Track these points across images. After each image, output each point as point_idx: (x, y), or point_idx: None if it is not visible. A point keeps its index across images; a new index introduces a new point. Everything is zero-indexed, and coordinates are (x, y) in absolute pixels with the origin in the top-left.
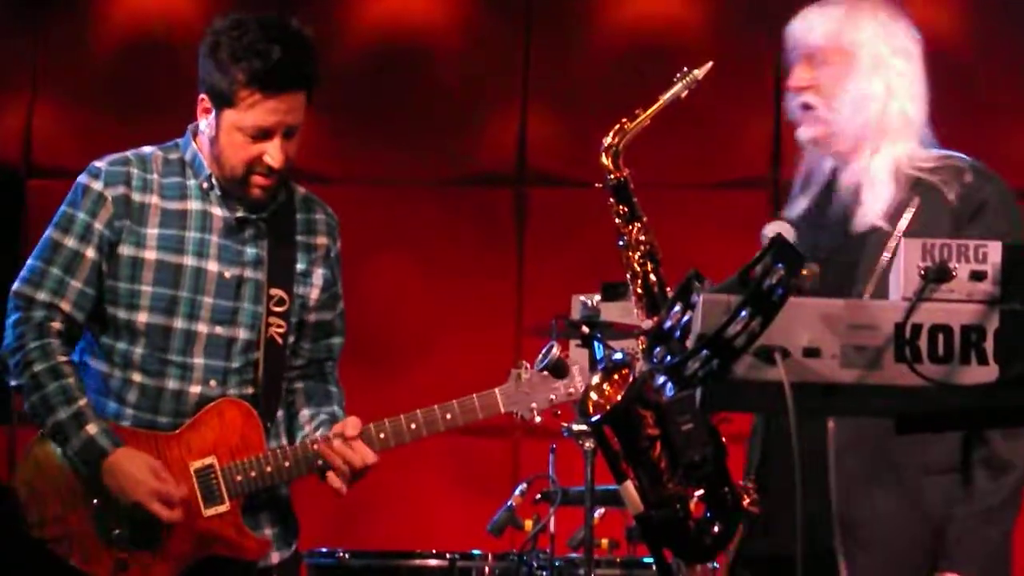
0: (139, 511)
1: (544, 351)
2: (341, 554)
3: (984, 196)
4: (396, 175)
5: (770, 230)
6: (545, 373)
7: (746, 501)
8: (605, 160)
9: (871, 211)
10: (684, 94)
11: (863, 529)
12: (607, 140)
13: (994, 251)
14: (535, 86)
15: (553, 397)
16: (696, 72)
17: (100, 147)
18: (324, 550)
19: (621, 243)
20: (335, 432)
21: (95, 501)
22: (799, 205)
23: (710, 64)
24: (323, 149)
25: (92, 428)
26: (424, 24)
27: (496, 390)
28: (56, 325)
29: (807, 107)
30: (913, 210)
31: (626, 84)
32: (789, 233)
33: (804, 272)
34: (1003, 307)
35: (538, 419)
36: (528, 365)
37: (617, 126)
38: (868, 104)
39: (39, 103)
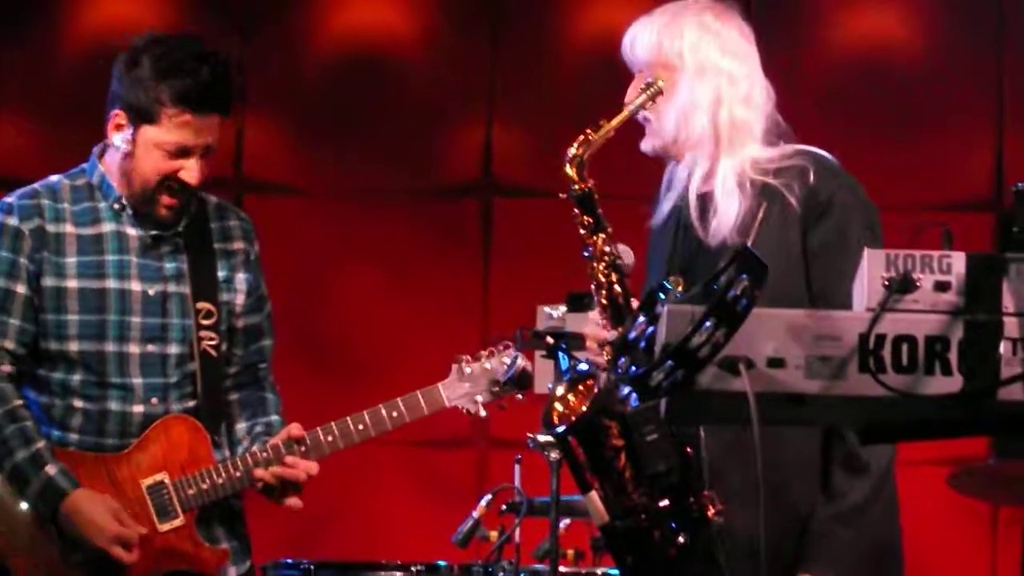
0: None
1: (509, 362)
2: (306, 565)
3: (828, 195)
4: (361, 186)
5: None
6: (488, 365)
7: (711, 511)
8: (569, 171)
9: (721, 225)
10: (649, 105)
11: (741, 536)
12: (571, 151)
13: (958, 261)
14: (501, 97)
15: (496, 389)
16: (660, 83)
17: (63, 159)
18: (289, 561)
19: (586, 254)
20: (279, 441)
21: (52, 527)
22: (661, 211)
23: None
24: (288, 161)
25: (51, 469)
26: (390, 36)
27: (439, 385)
28: (5, 368)
29: (645, 120)
30: (759, 221)
31: (591, 95)
32: (628, 256)
33: (672, 283)
34: (967, 317)
35: (483, 413)
36: (468, 358)
37: (581, 137)
38: (697, 114)
39: (1, 115)
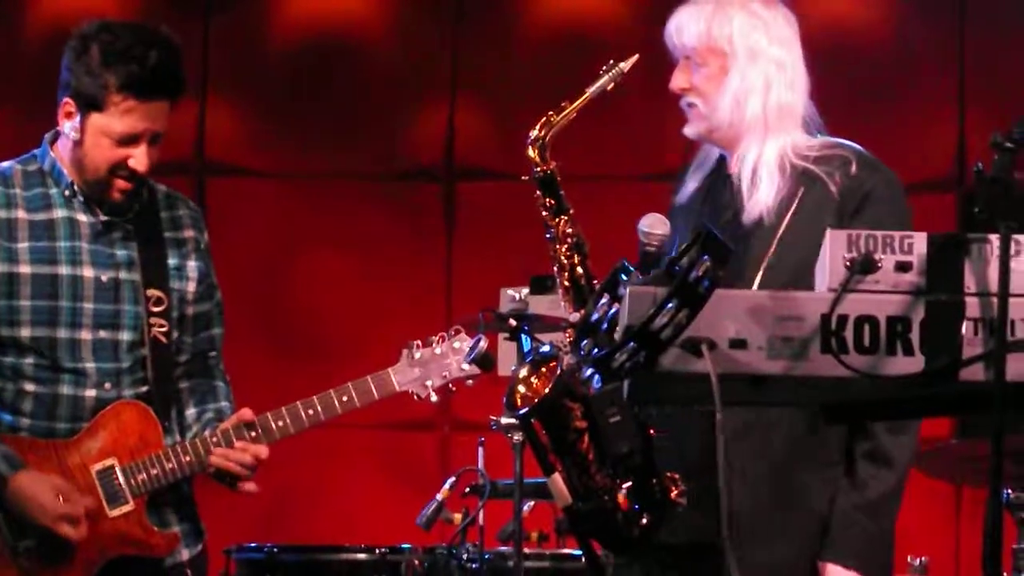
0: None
1: (471, 344)
2: (270, 548)
3: (868, 188)
4: (324, 170)
5: (645, 223)
6: (438, 350)
7: (674, 493)
8: (532, 153)
9: (757, 204)
10: (610, 87)
11: (750, 521)
12: (533, 133)
13: (920, 242)
14: (463, 80)
15: (447, 374)
16: (622, 65)
17: (26, 145)
18: (253, 545)
19: (549, 236)
20: (229, 425)
21: None
22: (687, 189)
23: (636, 57)
24: (251, 144)
25: None
26: (352, 19)
27: (389, 370)
28: None
29: (690, 105)
30: (797, 203)
31: (553, 77)
32: (664, 225)
33: None
34: (929, 298)
35: (434, 397)
36: (419, 343)
37: (543, 119)
38: (747, 98)
39: None
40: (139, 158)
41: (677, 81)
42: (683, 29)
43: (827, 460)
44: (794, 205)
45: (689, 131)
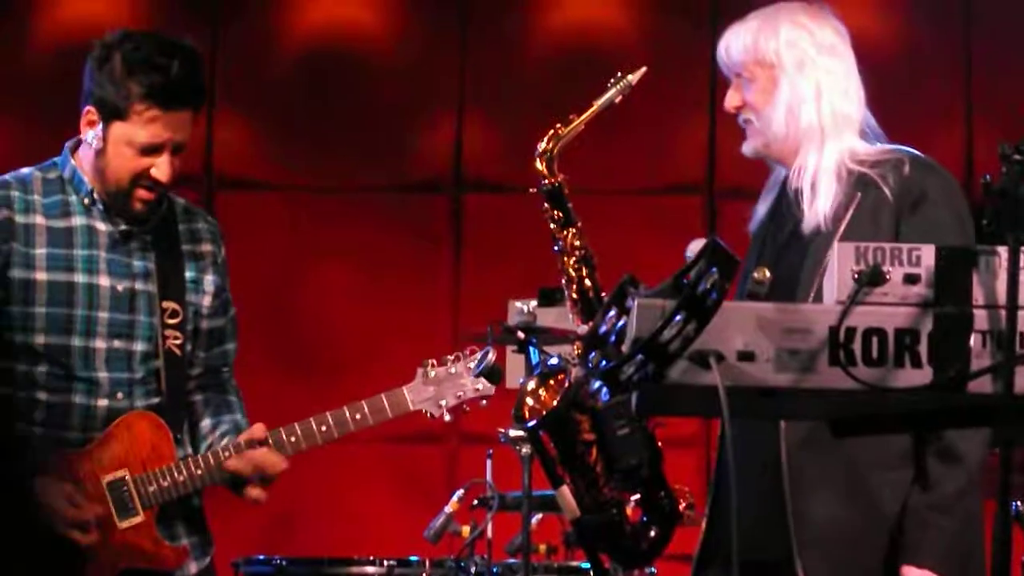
0: (58, 538)
1: (480, 356)
2: (278, 561)
3: (923, 187)
4: (332, 183)
5: (693, 248)
6: (453, 370)
7: (682, 505)
8: (539, 165)
9: (815, 213)
10: (618, 99)
11: (819, 528)
12: (541, 145)
13: (928, 254)
14: (471, 93)
15: (461, 394)
16: (630, 77)
17: (33, 156)
18: (261, 557)
19: (556, 248)
20: (241, 440)
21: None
22: (758, 216)
23: (644, 69)
24: (260, 157)
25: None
26: (360, 31)
27: (404, 388)
28: None
29: (746, 122)
30: (854, 208)
31: (560, 90)
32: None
33: (757, 276)
34: (937, 310)
35: (448, 417)
36: (434, 362)
37: (551, 131)
38: (799, 108)
39: None
40: (162, 168)
41: (731, 100)
42: (731, 47)
43: (894, 463)
44: (851, 211)
45: (747, 148)
